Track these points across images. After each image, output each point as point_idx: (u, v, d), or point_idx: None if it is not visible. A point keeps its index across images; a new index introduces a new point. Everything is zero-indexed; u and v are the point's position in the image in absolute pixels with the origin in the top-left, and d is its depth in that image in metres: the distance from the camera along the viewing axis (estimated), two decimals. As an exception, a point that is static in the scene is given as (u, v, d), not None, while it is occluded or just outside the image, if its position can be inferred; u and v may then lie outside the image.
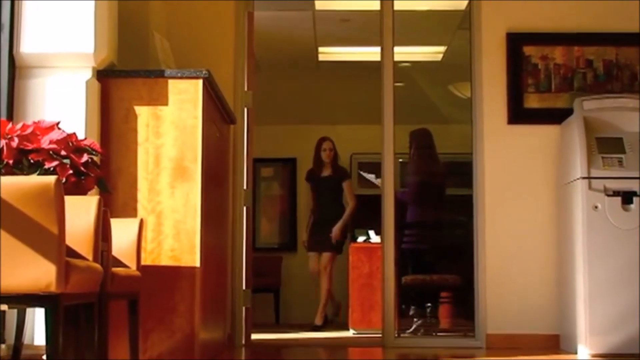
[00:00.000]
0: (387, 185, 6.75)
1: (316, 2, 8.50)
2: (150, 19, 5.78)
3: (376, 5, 7.00)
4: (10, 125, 3.70)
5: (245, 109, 6.77)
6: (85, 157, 3.75)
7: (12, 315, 4.22)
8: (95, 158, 3.90)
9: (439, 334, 7.60)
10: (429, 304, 7.79)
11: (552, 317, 6.38)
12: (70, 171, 3.67)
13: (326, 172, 9.25)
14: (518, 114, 6.64)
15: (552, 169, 6.53)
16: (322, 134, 11.19)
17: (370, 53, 9.17)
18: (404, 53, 9.14)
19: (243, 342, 6.57)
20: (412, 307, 7.77)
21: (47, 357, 3.02)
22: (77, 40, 4.78)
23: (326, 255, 9.11)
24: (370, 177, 9.01)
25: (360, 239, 9.29)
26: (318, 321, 9.01)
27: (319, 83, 10.88)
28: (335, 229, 9.02)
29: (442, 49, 9.90)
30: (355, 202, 9.15)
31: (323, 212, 9.26)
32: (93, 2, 4.79)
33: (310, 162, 10.11)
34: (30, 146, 3.62)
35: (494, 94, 6.65)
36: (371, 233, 9.10)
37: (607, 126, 6.12)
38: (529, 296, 6.44)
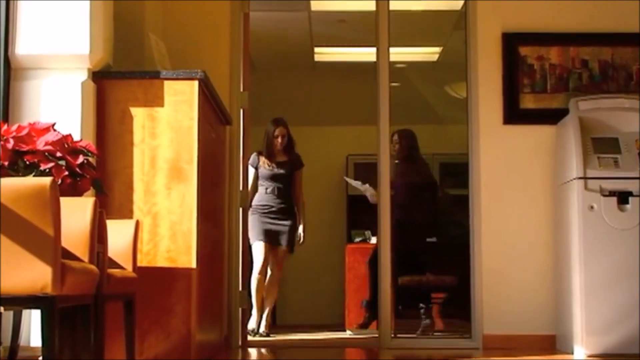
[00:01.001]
0: (383, 186, 6.75)
1: (312, 3, 8.51)
2: (145, 20, 5.78)
3: (372, 6, 6.99)
4: (5, 126, 3.69)
5: (241, 110, 6.77)
6: (80, 159, 3.75)
7: (8, 316, 4.21)
8: (91, 159, 3.90)
9: (435, 334, 7.60)
10: (422, 306, 7.80)
11: (548, 317, 6.38)
12: (66, 173, 3.66)
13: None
14: (514, 114, 6.64)
15: (548, 169, 6.53)
16: (318, 134, 11.23)
17: (366, 53, 9.17)
18: (400, 53, 9.14)
19: (239, 343, 6.56)
20: (421, 306, 7.78)
21: (43, 358, 3.02)
22: (72, 41, 4.77)
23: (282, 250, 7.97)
24: (356, 183, 8.60)
25: (357, 239, 9.29)
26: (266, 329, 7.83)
27: (315, 84, 10.88)
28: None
29: (437, 49, 9.91)
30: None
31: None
32: (88, 3, 4.79)
33: (306, 162, 10.13)
34: (25, 148, 3.62)
35: (490, 94, 6.65)
36: (367, 234, 9.11)
37: (603, 126, 6.12)
38: (525, 297, 6.45)
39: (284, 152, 8.03)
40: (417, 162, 8.27)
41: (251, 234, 7.54)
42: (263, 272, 7.77)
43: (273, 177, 7.90)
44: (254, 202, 7.79)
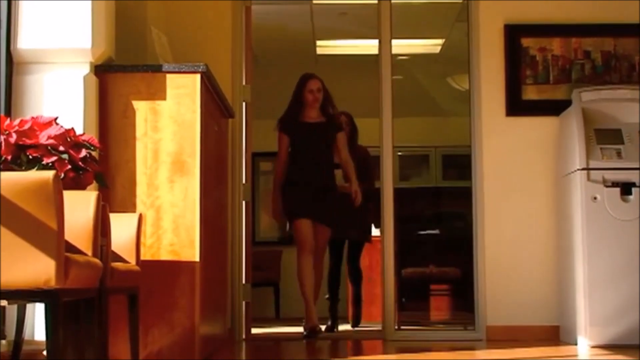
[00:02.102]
0: (387, 179, 6.75)
1: (314, -5, 8.51)
2: (147, 14, 5.77)
3: (374, -2, 6.99)
4: (8, 121, 3.70)
5: (244, 103, 6.77)
6: (83, 153, 3.75)
7: (12, 310, 4.22)
8: (93, 153, 3.90)
9: (439, 326, 7.60)
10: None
11: (551, 308, 6.38)
12: (69, 166, 3.66)
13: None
14: (516, 106, 6.64)
15: (551, 160, 6.53)
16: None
17: (368, 46, 9.16)
18: (402, 46, 9.13)
19: (243, 336, 6.57)
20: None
21: (47, 352, 3.02)
22: (74, 35, 4.77)
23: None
24: None
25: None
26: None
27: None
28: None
29: (440, 41, 9.89)
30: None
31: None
32: (90, -3, 4.78)
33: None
34: (28, 142, 3.62)
35: (492, 86, 6.65)
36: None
37: (606, 117, 6.12)
38: (529, 288, 6.45)
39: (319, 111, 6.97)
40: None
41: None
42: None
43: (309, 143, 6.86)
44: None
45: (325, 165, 6.89)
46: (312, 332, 6.67)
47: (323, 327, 7.19)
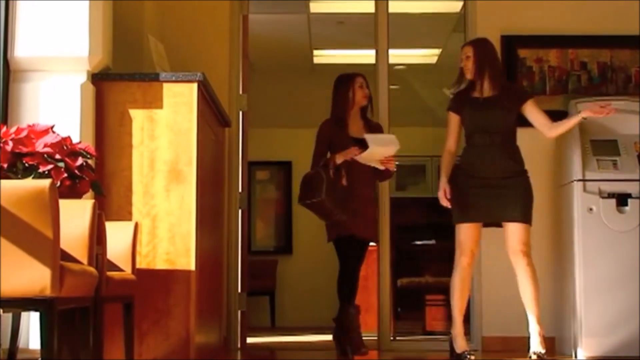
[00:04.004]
0: (383, 188, 6.75)
1: (311, 5, 8.51)
2: (144, 22, 5.78)
3: (371, 8, 7.00)
4: (4, 128, 3.69)
5: (240, 112, 6.77)
6: (79, 161, 3.74)
7: (7, 319, 4.21)
8: (90, 161, 3.90)
9: (434, 336, 7.60)
10: None
11: (547, 319, 6.37)
12: (65, 175, 3.66)
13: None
14: (513, 117, 6.64)
15: (547, 171, 6.53)
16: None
17: (365, 56, 9.16)
18: (399, 56, 9.14)
19: (238, 345, 6.56)
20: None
21: (42, 361, 3.02)
22: (71, 43, 4.77)
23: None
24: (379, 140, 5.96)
25: (356, 241, 9.26)
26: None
27: (314, 86, 10.85)
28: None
29: (437, 51, 9.91)
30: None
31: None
32: (87, 5, 4.79)
33: (305, 164, 10.09)
34: (24, 150, 3.62)
35: (489, 96, 6.64)
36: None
37: (602, 128, 6.12)
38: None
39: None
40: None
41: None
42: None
43: None
44: None
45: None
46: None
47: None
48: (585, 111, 5.47)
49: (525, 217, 5.47)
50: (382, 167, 5.94)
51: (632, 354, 5.69)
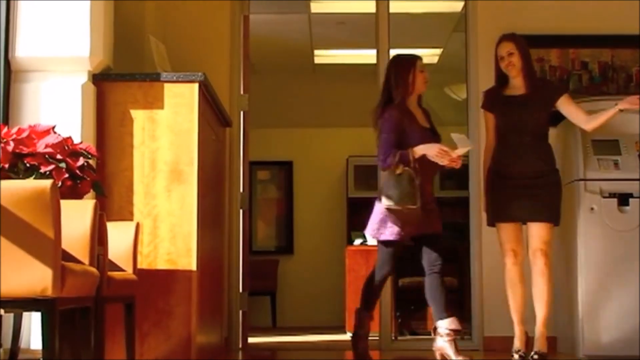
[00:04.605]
0: (384, 188, 6.74)
1: (312, 5, 8.51)
2: (146, 23, 5.78)
3: (372, 8, 7.00)
4: (5, 129, 3.70)
5: (241, 112, 6.77)
6: (81, 161, 3.75)
7: (8, 319, 4.21)
8: (91, 162, 3.90)
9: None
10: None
11: (549, 319, 6.37)
12: (66, 175, 3.67)
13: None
14: (514, 116, 6.64)
15: (548, 171, 6.52)
16: (318, 136, 11.22)
17: (366, 55, 9.17)
18: (400, 56, 9.13)
19: (240, 345, 6.56)
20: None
21: (43, 361, 3.02)
22: (72, 43, 4.78)
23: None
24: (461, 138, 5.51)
25: (357, 241, 9.28)
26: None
27: (315, 86, 10.88)
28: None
29: (437, 51, 9.90)
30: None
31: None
32: (88, 5, 4.79)
33: (306, 164, 10.15)
34: (26, 150, 3.62)
35: (490, 96, 6.64)
36: (367, 235, 9.09)
37: (603, 128, 6.11)
38: (526, 298, 6.43)
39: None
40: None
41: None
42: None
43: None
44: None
45: None
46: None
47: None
48: (622, 103, 5.40)
49: (548, 217, 5.47)
50: (449, 165, 5.44)
51: (633, 353, 5.69)
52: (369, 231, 5.55)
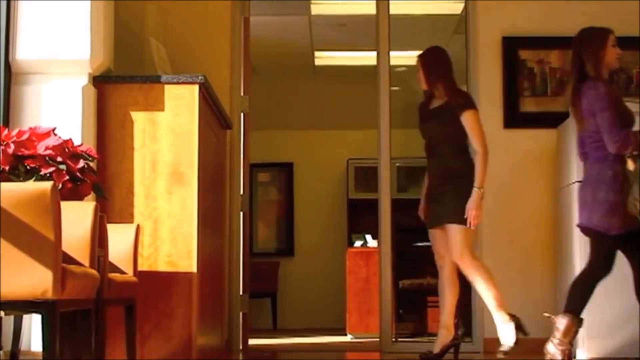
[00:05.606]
0: (384, 190, 6.75)
1: (312, 7, 8.51)
2: (146, 25, 5.78)
3: (372, 10, 7.00)
4: (6, 131, 3.70)
5: (242, 114, 6.77)
6: (81, 163, 3.75)
7: (9, 321, 4.22)
8: (91, 164, 3.90)
9: (436, 338, 7.58)
10: None
11: (549, 320, 6.37)
12: (67, 177, 3.67)
13: None
14: (514, 118, 6.65)
15: (549, 173, 6.53)
16: (319, 138, 11.22)
17: (367, 57, 9.18)
18: (400, 57, 9.13)
19: (240, 347, 6.56)
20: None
21: (43, 363, 3.02)
22: (73, 46, 4.78)
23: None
24: None
25: (357, 243, 9.29)
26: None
27: (316, 88, 10.89)
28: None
29: (438, 53, 9.89)
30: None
31: None
32: (89, 7, 4.79)
33: (307, 166, 10.16)
34: (26, 152, 3.62)
35: (490, 98, 6.65)
36: (368, 237, 9.10)
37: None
38: (527, 300, 6.44)
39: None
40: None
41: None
42: None
43: None
44: None
45: None
46: None
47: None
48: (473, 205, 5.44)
49: (445, 219, 5.52)
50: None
51: (633, 355, 5.69)
52: (592, 223, 5.05)
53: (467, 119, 5.53)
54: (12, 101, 4.76)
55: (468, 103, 5.61)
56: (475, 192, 5.43)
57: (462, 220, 5.42)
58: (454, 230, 5.44)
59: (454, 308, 5.65)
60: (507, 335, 5.43)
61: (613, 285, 5.80)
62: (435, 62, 5.77)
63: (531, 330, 5.72)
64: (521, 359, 5.72)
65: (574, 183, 5.98)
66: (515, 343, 5.42)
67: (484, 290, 5.49)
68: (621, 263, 5.79)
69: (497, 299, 5.46)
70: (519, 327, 5.46)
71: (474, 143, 5.54)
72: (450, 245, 5.48)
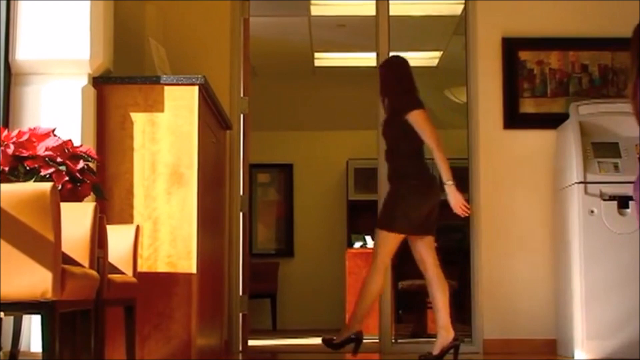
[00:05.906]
0: (383, 190, 6.74)
1: (312, 8, 8.51)
2: (146, 25, 5.78)
3: (372, 11, 7.00)
4: (6, 132, 3.70)
5: (242, 115, 6.77)
6: (81, 164, 3.75)
7: (8, 322, 4.21)
8: (91, 164, 3.90)
9: (435, 339, 7.58)
10: None
11: (548, 322, 6.37)
12: (66, 178, 3.66)
13: None
14: (514, 119, 6.65)
15: (548, 173, 6.53)
16: (319, 139, 11.23)
17: (366, 58, 9.18)
18: (400, 58, 9.14)
19: (240, 348, 6.56)
20: None
21: (43, 364, 3.02)
22: (72, 46, 4.78)
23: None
24: None
25: (357, 244, 9.29)
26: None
27: (315, 88, 10.89)
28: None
29: (437, 54, 9.91)
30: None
31: None
32: (88, 8, 4.79)
33: (306, 167, 10.15)
34: (26, 153, 3.62)
35: (490, 99, 6.66)
36: (367, 238, 9.10)
37: (603, 131, 6.13)
38: (526, 301, 6.44)
39: None
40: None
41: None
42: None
43: None
44: None
45: None
46: None
47: None
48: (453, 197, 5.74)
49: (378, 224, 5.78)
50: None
51: (633, 356, 5.69)
52: None
53: (413, 120, 5.70)
54: (12, 102, 4.76)
55: (411, 104, 5.75)
56: (447, 187, 5.72)
57: (384, 225, 5.71)
58: (378, 234, 5.75)
59: (447, 307, 5.71)
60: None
61: (611, 288, 5.81)
62: (391, 73, 5.96)
63: (532, 332, 5.73)
64: (522, 359, 5.72)
65: (573, 184, 5.98)
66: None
67: (367, 295, 5.76)
68: (621, 263, 5.80)
69: (368, 309, 5.85)
70: (358, 341, 5.81)
71: (427, 140, 5.70)
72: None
